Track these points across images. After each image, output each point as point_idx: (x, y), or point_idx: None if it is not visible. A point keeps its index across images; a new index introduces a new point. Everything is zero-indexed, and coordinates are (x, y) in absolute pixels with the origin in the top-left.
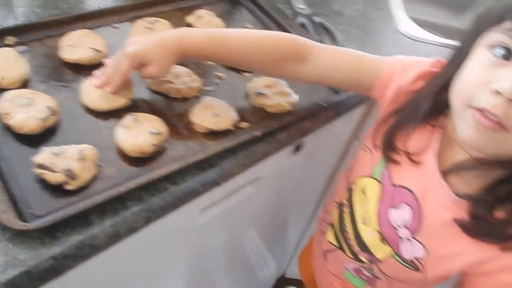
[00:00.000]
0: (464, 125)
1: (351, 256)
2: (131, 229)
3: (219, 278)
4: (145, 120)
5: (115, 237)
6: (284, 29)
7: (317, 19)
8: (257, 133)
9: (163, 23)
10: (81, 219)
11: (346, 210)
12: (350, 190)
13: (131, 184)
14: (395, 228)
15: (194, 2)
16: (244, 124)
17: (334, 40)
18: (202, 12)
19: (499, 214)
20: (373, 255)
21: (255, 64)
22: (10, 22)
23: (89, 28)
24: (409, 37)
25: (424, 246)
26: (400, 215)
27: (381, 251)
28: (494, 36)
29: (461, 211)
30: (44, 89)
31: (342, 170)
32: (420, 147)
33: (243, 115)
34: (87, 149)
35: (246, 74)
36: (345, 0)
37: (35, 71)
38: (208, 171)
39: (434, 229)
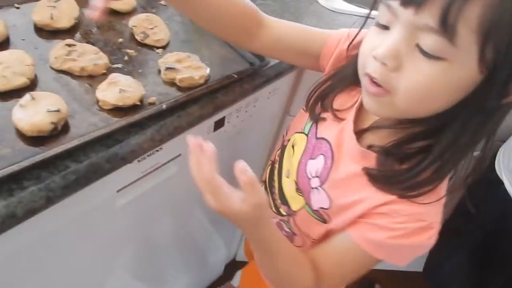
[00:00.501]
0: (363, 91)
1: (274, 210)
2: (30, 210)
3: (168, 265)
4: (44, 98)
5: (11, 218)
6: None
7: None
8: (163, 106)
9: (67, 1)
10: None
11: (276, 166)
12: (283, 147)
13: (26, 163)
14: (308, 178)
15: None
16: (152, 99)
17: None
18: None
19: (404, 166)
20: (290, 207)
21: (222, 20)
22: None
23: None
24: (328, 9)
25: (328, 196)
26: (315, 165)
27: (296, 202)
28: (380, 6)
29: (369, 163)
30: None
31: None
32: (346, 105)
33: (153, 90)
34: None
35: (158, 51)
36: None
37: None
38: (113, 147)
39: (339, 179)
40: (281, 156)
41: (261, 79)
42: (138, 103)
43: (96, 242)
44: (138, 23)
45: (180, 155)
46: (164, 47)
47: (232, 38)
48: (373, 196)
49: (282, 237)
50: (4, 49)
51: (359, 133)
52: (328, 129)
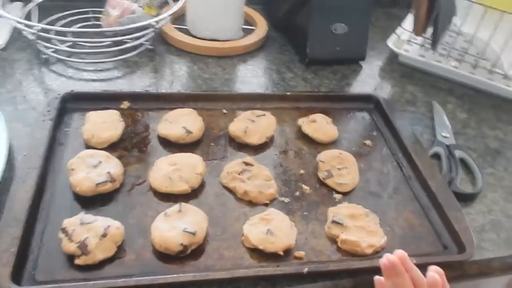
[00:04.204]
0: None
1: None
2: None
3: None
4: (191, 213)
5: None
6: (406, 153)
7: (458, 153)
8: (304, 269)
9: (268, 119)
10: None
11: None
12: None
13: (133, 282)
14: None
15: (315, 105)
16: (299, 254)
17: (473, 183)
18: (317, 116)
19: None
20: None
21: None
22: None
23: (199, 109)
24: None
25: None
26: None
27: None
28: None
29: None
30: (123, 156)
31: None
32: None
33: (307, 242)
34: (114, 227)
35: (336, 196)
36: None
37: (129, 137)
38: None
39: None
40: None
41: (454, 273)
42: (281, 253)
43: None
44: (327, 159)
45: None
46: (345, 194)
47: None
48: None
49: None
50: (191, 151)
51: None
52: None
